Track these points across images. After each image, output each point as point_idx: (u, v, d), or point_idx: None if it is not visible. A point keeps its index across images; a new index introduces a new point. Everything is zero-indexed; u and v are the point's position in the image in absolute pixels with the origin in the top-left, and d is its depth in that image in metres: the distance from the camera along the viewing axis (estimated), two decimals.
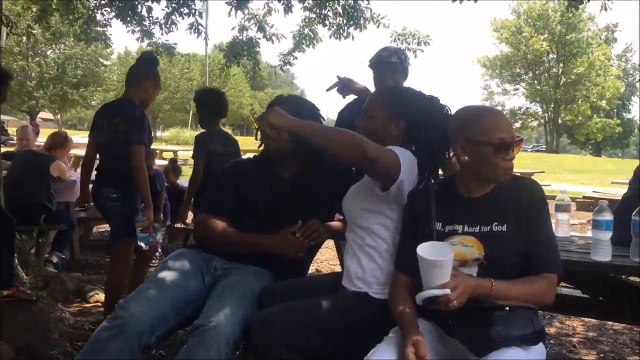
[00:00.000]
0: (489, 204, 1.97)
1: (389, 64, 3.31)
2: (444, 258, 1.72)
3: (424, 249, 1.77)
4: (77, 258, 6.06)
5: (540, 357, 1.91)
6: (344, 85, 3.47)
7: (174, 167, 7.07)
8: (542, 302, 1.93)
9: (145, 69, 3.76)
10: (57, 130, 6.71)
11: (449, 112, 2.23)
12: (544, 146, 54.70)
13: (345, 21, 6.83)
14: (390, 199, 2.11)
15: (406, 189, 2.09)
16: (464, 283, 1.74)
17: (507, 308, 1.84)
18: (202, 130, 4.64)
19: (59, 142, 5.63)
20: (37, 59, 35.50)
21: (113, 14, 7.33)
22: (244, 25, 7.16)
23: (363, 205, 2.21)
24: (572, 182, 19.92)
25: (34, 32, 8.77)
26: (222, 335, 2.08)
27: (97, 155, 3.81)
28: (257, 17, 7.11)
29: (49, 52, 36.92)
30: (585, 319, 4.33)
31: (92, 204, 3.87)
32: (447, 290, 1.69)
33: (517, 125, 54.45)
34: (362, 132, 2.21)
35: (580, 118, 48.56)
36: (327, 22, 6.95)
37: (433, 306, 1.74)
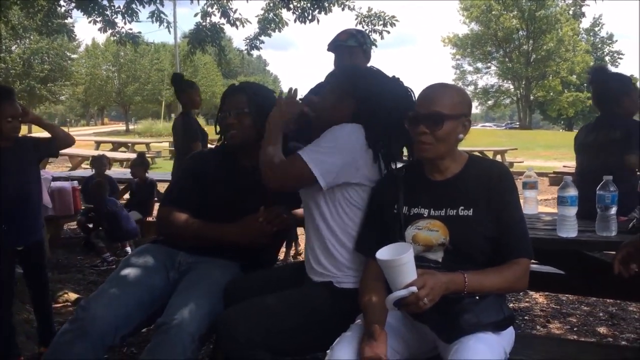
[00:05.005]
0: (456, 187, 1.93)
1: (347, 48, 3.25)
2: (398, 257, 1.67)
3: (383, 252, 1.73)
4: (46, 257, 5.93)
5: (509, 340, 1.90)
6: None
7: (142, 161, 6.95)
8: (517, 289, 1.92)
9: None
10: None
11: (411, 94, 2.19)
12: (518, 123, 55.26)
13: (309, 4, 6.77)
14: (334, 188, 2.07)
15: (349, 170, 2.03)
16: (433, 280, 1.68)
17: (477, 297, 1.81)
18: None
19: None
20: (1, 55, 34.67)
21: (73, 5, 7.17)
22: (207, 11, 7.06)
23: (312, 192, 2.15)
24: (546, 158, 20.17)
25: None
26: (187, 332, 2.04)
27: None
28: (221, 2, 7.01)
29: (13, 48, 36.05)
30: (556, 294, 4.36)
31: None
32: (414, 289, 1.64)
33: (490, 103, 54.95)
34: (314, 107, 2.23)
35: (551, 94, 49.06)
36: (291, 5, 6.88)
37: (404, 308, 1.70)
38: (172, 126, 5.45)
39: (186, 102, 5.17)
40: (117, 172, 10.14)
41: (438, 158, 1.92)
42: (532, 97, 51.66)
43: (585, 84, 50.98)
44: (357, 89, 2.16)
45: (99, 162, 6.87)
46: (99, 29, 7.25)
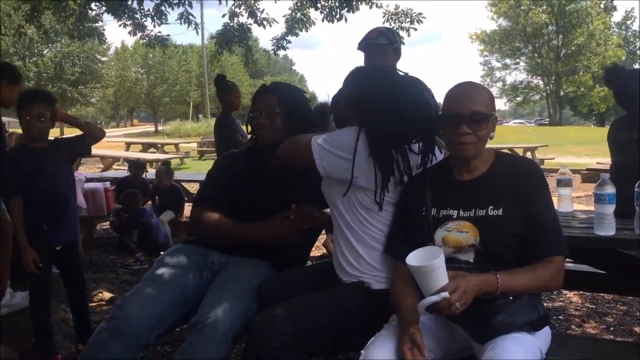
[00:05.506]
0: (484, 186, 1.90)
1: (377, 46, 3.23)
2: (429, 262, 1.65)
3: (413, 257, 1.72)
4: (82, 256, 6.03)
5: (545, 339, 1.87)
6: None
7: (167, 168, 7.08)
8: (551, 288, 1.88)
9: None
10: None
11: (426, 98, 2.17)
12: (547, 119, 54.39)
13: (337, 3, 6.76)
14: (349, 193, 2.09)
15: (344, 166, 2.05)
16: (465, 283, 1.66)
17: (511, 297, 1.78)
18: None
19: None
20: (34, 58, 35.38)
21: (104, 8, 7.28)
22: (235, 11, 7.11)
23: (332, 195, 2.19)
24: (577, 154, 19.83)
25: (27, 32, 8.72)
26: (220, 331, 2.06)
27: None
28: (248, 2, 7.05)
29: (45, 52, 36.76)
30: (591, 293, 4.28)
31: None
32: (445, 294, 1.62)
33: (519, 99, 54.17)
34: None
35: (582, 89, 48.10)
36: (319, 4, 6.87)
37: (437, 313, 1.68)
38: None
39: (226, 103, 5.38)
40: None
41: (474, 157, 1.90)
42: (562, 93, 50.77)
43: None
44: (356, 98, 2.16)
45: (136, 168, 6.99)
46: (129, 32, 7.38)
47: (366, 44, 3.27)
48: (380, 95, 2.09)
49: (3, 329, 3.19)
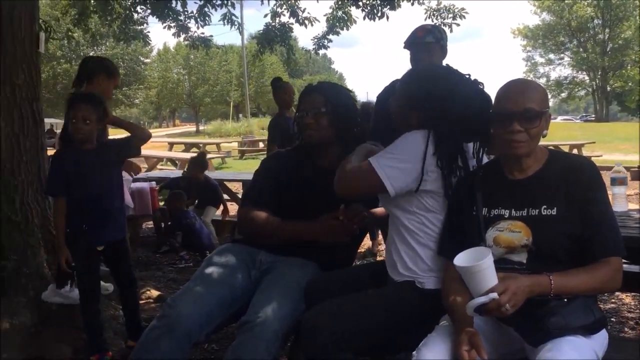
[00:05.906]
0: (537, 185, 1.86)
1: (424, 44, 3.19)
2: (477, 263, 1.62)
3: (461, 258, 1.70)
4: (130, 255, 6.14)
5: (601, 343, 1.81)
6: None
7: (200, 160, 6.92)
8: (607, 290, 1.83)
9: None
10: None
11: (484, 90, 2.12)
12: (593, 115, 53.04)
13: (379, 1, 6.72)
14: (410, 197, 2.06)
15: (417, 177, 2.01)
16: (515, 285, 1.62)
17: (565, 300, 1.73)
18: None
19: None
20: (80, 61, 36.35)
21: (149, 11, 7.42)
22: (277, 11, 7.16)
23: (389, 198, 2.14)
24: (625, 152, 19.17)
25: (74, 35, 8.95)
26: (270, 331, 2.07)
27: None
28: (290, 1, 7.08)
29: (91, 54, 37.72)
30: None
31: None
32: (494, 295, 1.59)
33: (564, 95, 52.93)
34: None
35: (630, 84, 46.59)
36: (360, 2, 6.85)
37: (486, 314, 1.65)
38: None
39: (279, 102, 5.50)
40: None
41: (527, 155, 1.86)
42: (608, 88, 49.41)
43: None
44: (420, 100, 2.12)
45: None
46: (173, 34, 7.49)
47: (413, 42, 3.24)
48: (452, 96, 2.06)
49: (57, 322, 3.28)
